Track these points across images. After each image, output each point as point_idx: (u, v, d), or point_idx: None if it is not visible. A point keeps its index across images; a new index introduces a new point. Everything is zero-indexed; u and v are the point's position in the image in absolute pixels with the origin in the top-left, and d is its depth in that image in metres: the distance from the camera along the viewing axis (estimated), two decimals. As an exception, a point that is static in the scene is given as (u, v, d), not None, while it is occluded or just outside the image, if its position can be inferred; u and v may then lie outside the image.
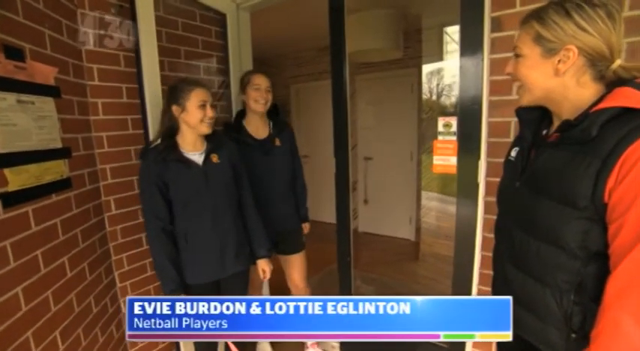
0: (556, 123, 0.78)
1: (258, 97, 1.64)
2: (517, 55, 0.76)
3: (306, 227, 1.93)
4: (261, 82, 1.65)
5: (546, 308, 0.76)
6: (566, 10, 0.67)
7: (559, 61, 0.69)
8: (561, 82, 0.71)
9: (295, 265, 1.85)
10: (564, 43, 0.67)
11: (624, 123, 0.61)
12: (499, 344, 1.05)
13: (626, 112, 0.62)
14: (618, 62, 0.68)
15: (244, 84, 1.67)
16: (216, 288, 1.44)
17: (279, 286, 1.86)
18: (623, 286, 0.61)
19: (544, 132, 0.82)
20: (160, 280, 1.32)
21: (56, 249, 1.19)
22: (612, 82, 0.69)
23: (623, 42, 0.99)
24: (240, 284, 1.53)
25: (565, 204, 0.68)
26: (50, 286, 1.15)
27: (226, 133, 1.65)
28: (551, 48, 0.69)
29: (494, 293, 0.97)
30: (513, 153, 0.89)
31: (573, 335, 0.73)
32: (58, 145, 1.23)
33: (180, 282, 1.31)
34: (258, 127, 1.72)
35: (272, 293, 1.87)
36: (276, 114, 1.79)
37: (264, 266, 1.54)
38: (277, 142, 1.73)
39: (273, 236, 1.70)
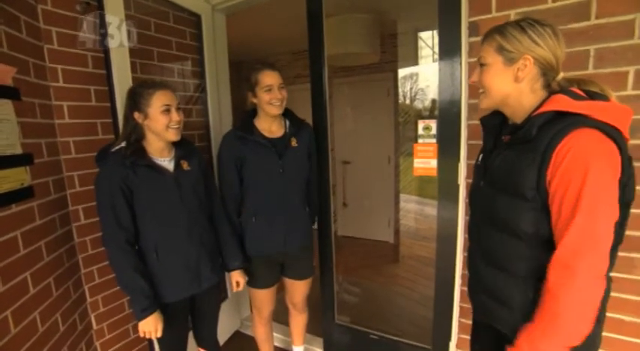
0: None
1: (272, 100, 1.42)
2: (482, 65, 0.86)
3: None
4: (272, 80, 1.42)
5: (513, 298, 0.84)
6: (521, 27, 0.79)
7: (518, 69, 0.80)
8: (518, 88, 0.82)
9: (299, 289, 1.69)
10: (522, 54, 0.78)
11: (555, 124, 0.73)
12: (473, 337, 1.09)
13: (559, 115, 0.74)
14: (562, 75, 0.81)
15: (252, 85, 1.45)
16: (191, 303, 1.36)
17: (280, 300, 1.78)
18: (562, 268, 0.71)
19: (503, 137, 0.90)
20: (131, 298, 1.17)
21: (16, 264, 1.10)
22: (554, 91, 0.80)
23: (591, 48, 1.06)
24: (215, 297, 1.47)
25: (517, 197, 0.78)
26: (9, 306, 1.05)
27: (234, 131, 1.48)
28: (511, 57, 0.80)
29: (469, 291, 1.02)
30: (480, 158, 0.98)
31: None
32: (18, 150, 1.13)
33: (155, 298, 1.18)
34: (271, 126, 1.51)
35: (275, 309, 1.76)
36: (288, 110, 1.57)
37: (238, 278, 1.46)
38: (294, 143, 1.51)
39: (276, 258, 1.57)
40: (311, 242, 1.67)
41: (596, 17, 1.05)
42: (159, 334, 1.19)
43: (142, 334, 1.18)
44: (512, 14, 1.17)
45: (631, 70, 1.03)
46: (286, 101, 1.49)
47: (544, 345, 0.74)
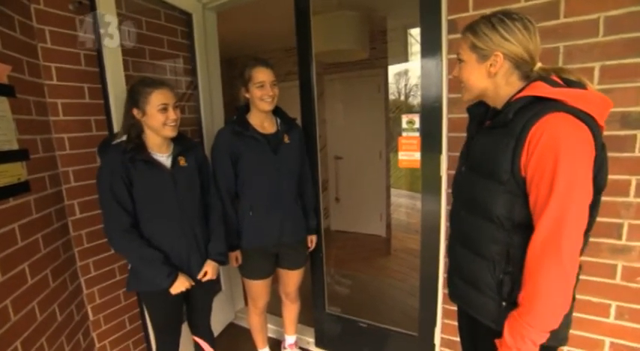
0: None
1: (264, 96, 1.46)
2: (460, 60, 0.90)
3: (311, 241, 1.76)
4: (265, 77, 1.46)
5: (483, 280, 0.87)
6: (492, 24, 0.81)
7: (490, 65, 0.84)
8: (493, 82, 0.86)
9: (293, 278, 1.76)
10: (493, 50, 0.82)
11: (532, 108, 0.76)
12: (458, 321, 1.14)
13: (537, 101, 0.76)
14: (539, 65, 0.83)
15: (245, 80, 1.48)
16: (184, 293, 1.36)
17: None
18: (539, 249, 0.74)
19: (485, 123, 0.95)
20: (152, 272, 1.22)
21: (15, 255, 1.14)
22: (534, 79, 0.83)
23: (561, 46, 1.12)
24: (207, 289, 1.48)
25: (492, 179, 0.81)
26: (9, 295, 1.10)
27: (230, 127, 1.51)
28: (483, 54, 0.84)
29: (448, 278, 1.07)
30: (464, 145, 1.01)
31: (504, 303, 0.84)
32: (14, 146, 1.17)
33: (171, 264, 1.26)
34: (263, 123, 1.56)
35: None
36: (278, 108, 1.61)
37: (208, 269, 1.39)
38: (286, 139, 1.57)
39: (272, 250, 1.62)
40: (304, 234, 1.71)
41: (565, 16, 1.11)
42: (189, 286, 1.31)
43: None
44: (488, 12, 1.22)
45: (597, 65, 1.09)
46: (277, 98, 1.52)
47: (527, 331, 0.75)
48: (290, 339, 1.97)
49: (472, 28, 0.85)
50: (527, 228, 0.79)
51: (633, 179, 1.11)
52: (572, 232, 0.71)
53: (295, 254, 1.70)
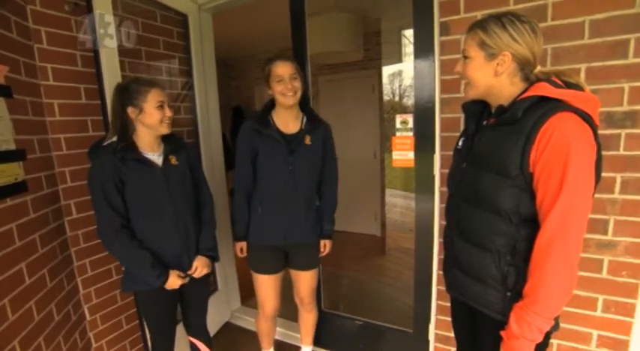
0: None
1: (284, 90, 1.43)
2: (465, 57, 0.91)
3: (325, 246, 1.67)
4: (283, 71, 1.43)
5: (487, 272, 0.89)
6: (502, 23, 0.83)
7: (498, 64, 0.85)
8: (499, 81, 0.88)
9: (304, 281, 1.68)
10: (502, 50, 0.84)
11: (540, 107, 0.79)
12: (452, 315, 1.16)
13: (542, 100, 0.80)
14: (539, 68, 0.87)
15: (266, 77, 1.47)
16: (178, 292, 1.38)
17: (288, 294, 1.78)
18: (547, 241, 0.76)
19: (484, 122, 0.97)
20: (143, 273, 1.23)
21: (13, 255, 1.14)
22: (537, 80, 0.86)
23: (549, 47, 1.16)
24: (201, 287, 1.49)
25: (501, 174, 0.83)
26: (6, 294, 1.10)
27: (249, 124, 1.49)
28: (491, 53, 0.85)
29: (445, 271, 1.09)
30: (460, 143, 1.04)
31: (508, 294, 0.86)
32: (12, 146, 1.18)
33: (161, 263, 1.26)
34: (287, 121, 1.51)
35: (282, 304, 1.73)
36: (308, 107, 1.58)
37: (198, 264, 1.38)
38: (307, 140, 1.50)
39: (282, 247, 1.58)
40: (314, 239, 1.62)
41: (552, 19, 1.15)
42: (186, 280, 1.34)
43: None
44: (479, 15, 1.26)
45: (582, 67, 1.13)
46: (301, 93, 1.48)
47: (534, 319, 0.78)
48: (306, 349, 1.91)
49: (482, 25, 0.85)
50: (533, 221, 0.82)
51: (618, 176, 1.15)
52: (578, 226, 0.75)
53: (304, 255, 1.64)
